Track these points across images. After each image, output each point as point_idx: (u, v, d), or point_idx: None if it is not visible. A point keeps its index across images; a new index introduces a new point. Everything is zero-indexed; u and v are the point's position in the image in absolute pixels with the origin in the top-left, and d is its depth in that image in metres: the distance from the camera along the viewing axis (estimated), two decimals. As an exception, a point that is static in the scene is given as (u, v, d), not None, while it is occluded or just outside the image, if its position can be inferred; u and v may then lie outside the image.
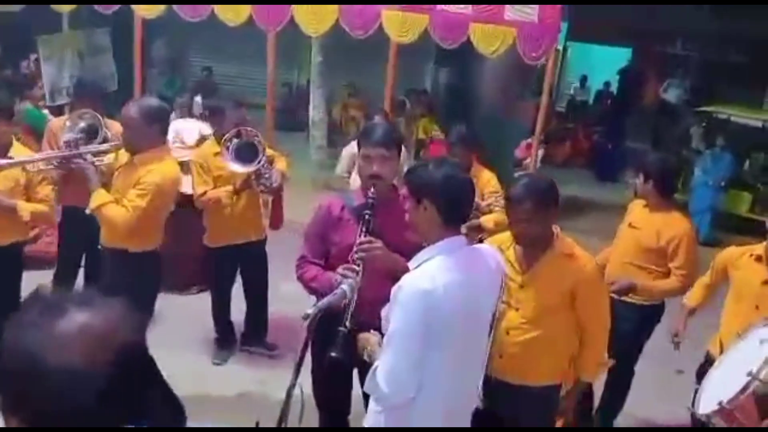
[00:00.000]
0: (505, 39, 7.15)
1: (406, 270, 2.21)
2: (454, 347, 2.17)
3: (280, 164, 4.46)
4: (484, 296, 2.30)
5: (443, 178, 2.18)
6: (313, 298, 2.97)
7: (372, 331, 2.36)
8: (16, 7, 8.34)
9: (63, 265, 4.66)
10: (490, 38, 7.21)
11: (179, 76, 12.93)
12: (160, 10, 7.21)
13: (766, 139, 9.59)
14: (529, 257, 2.73)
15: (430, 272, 2.11)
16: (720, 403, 2.57)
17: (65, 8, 7.49)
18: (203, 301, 4.79)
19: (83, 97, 4.42)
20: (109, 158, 3.70)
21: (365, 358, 2.33)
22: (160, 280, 3.72)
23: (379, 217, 2.58)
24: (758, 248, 3.28)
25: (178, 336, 4.53)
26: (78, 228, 4.24)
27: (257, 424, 1.90)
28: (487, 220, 4.31)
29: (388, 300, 2.15)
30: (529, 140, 9.34)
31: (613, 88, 14.39)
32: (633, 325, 3.63)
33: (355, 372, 2.91)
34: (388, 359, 2.11)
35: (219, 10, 7.23)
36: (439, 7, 7.20)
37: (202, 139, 5.82)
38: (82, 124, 3.88)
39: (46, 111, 7.03)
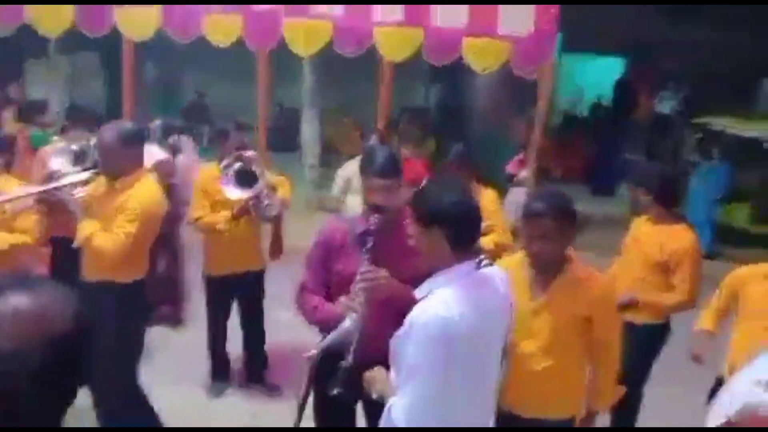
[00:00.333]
0: (499, 54, 7.09)
1: (412, 299, 2.11)
2: (469, 377, 2.07)
3: (282, 191, 4.34)
4: (496, 324, 2.20)
5: (451, 204, 2.09)
6: (311, 327, 2.87)
7: (377, 367, 2.23)
8: (3, 32, 8.26)
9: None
10: (483, 54, 7.16)
11: (170, 99, 12.87)
12: (150, 32, 7.15)
13: (762, 151, 9.56)
14: (541, 281, 2.60)
15: (444, 300, 2.01)
16: (727, 417, 2.47)
17: (53, 32, 7.41)
18: (197, 331, 4.65)
19: (76, 121, 4.34)
20: (92, 187, 3.57)
21: (374, 396, 2.20)
22: (150, 310, 3.59)
23: (382, 244, 2.50)
24: (766, 266, 3.20)
25: (171, 368, 4.40)
26: (69, 259, 4.11)
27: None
28: (487, 242, 4.20)
29: (392, 332, 2.05)
30: (520, 156, 9.33)
31: (607, 101, 14.41)
32: (640, 345, 3.53)
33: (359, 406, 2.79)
34: (408, 393, 2.00)
35: (208, 31, 7.17)
36: (433, 22, 7.15)
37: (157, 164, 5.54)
38: (74, 148, 3.78)
39: (55, 137, 6.92)
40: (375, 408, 2.25)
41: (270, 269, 4.54)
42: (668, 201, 3.63)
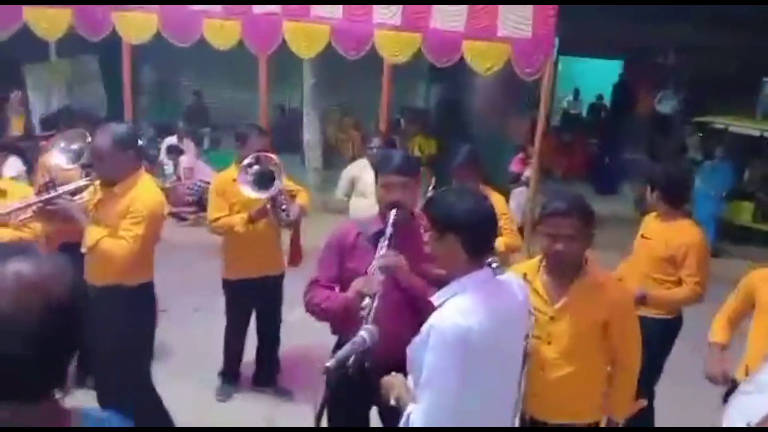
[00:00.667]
0: (500, 56, 7.08)
1: (426, 293, 2.09)
2: (487, 385, 2.03)
3: (301, 198, 4.32)
4: (514, 331, 2.17)
5: (468, 211, 2.04)
6: (321, 330, 2.84)
7: (393, 373, 2.20)
8: (2, 35, 8.25)
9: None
10: (484, 56, 7.15)
11: (170, 101, 12.85)
12: (149, 35, 7.12)
13: (764, 148, 9.55)
14: (558, 287, 2.56)
15: (463, 308, 1.97)
16: (748, 424, 2.43)
17: (51, 36, 7.39)
18: (207, 332, 4.64)
19: (74, 125, 4.30)
20: (89, 192, 3.53)
21: (392, 402, 2.17)
22: (157, 312, 3.55)
23: (399, 244, 2.49)
24: None
25: (181, 369, 4.37)
26: (72, 264, 4.07)
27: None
28: (498, 244, 4.16)
29: (409, 337, 2.03)
30: (521, 155, 9.33)
31: (606, 101, 14.40)
32: (650, 341, 3.48)
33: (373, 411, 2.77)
34: (427, 400, 1.97)
35: (209, 34, 7.15)
36: (432, 25, 7.13)
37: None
38: (74, 147, 3.75)
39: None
40: (391, 414, 2.21)
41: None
42: (674, 198, 3.64)
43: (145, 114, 10.98)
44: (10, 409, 1.11)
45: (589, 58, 14.40)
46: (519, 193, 8.38)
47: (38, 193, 3.37)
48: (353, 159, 7.49)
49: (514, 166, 9.39)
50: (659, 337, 3.55)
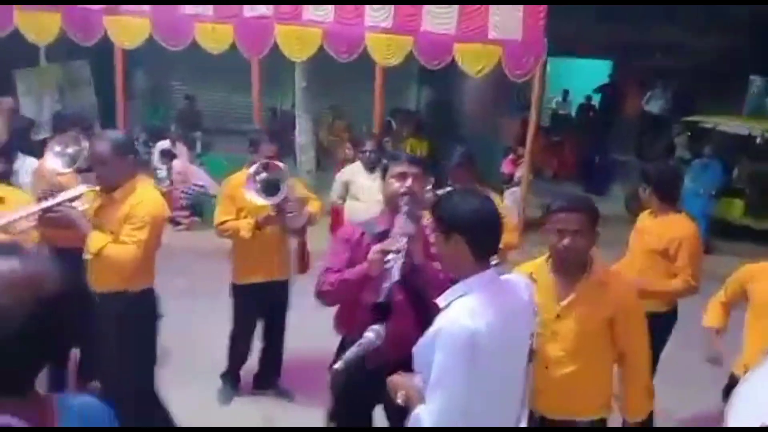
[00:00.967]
0: (491, 58, 7.14)
1: (435, 276, 2.14)
2: (495, 385, 2.06)
3: (312, 207, 4.32)
4: (521, 331, 2.19)
5: (473, 212, 2.07)
6: (321, 329, 2.86)
7: (401, 372, 2.23)
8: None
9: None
10: (475, 58, 7.20)
11: (162, 105, 12.82)
12: (141, 40, 7.13)
13: (752, 146, 9.65)
14: (564, 285, 2.59)
15: (469, 309, 1.99)
16: (763, 424, 2.43)
17: (42, 41, 7.37)
18: (205, 336, 4.64)
19: (65, 130, 4.27)
20: (88, 198, 3.53)
21: (398, 401, 2.19)
22: (159, 317, 3.56)
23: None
24: None
25: (180, 373, 4.38)
26: (72, 270, 4.04)
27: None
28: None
29: (414, 335, 2.06)
30: (511, 156, 9.39)
31: (595, 101, 14.48)
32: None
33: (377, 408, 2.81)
34: (435, 400, 1.99)
35: (201, 38, 7.16)
36: (423, 28, 7.18)
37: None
38: (69, 151, 3.74)
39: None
40: (397, 414, 2.23)
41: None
42: (667, 194, 3.72)
43: (138, 118, 10.96)
44: None
45: (578, 59, 14.49)
46: (512, 194, 8.44)
47: (38, 200, 3.37)
48: (345, 161, 7.50)
49: (505, 167, 9.46)
50: (653, 330, 3.59)
